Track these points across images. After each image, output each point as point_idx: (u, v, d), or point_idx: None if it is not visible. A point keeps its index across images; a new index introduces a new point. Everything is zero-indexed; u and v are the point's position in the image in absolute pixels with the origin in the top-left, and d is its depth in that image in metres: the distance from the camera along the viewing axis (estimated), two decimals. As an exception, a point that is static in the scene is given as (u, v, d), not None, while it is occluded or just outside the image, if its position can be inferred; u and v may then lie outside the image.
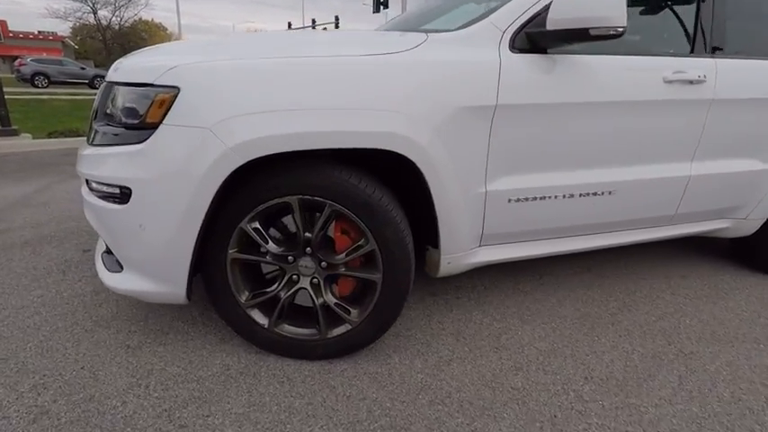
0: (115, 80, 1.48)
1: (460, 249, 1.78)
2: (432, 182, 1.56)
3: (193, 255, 1.46)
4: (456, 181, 1.62)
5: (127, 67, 1.47)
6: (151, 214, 1.40)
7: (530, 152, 1.74)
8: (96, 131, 1.52)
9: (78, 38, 46.49)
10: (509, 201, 1.78)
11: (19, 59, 21.15)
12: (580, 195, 1.90)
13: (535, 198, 1.82)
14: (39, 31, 43.05)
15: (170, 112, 1.35)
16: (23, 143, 6.07)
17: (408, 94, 1.47)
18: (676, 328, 2.04)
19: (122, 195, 1.43)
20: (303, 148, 1.38)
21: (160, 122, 1.36)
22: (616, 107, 1.81)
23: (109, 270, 1.60)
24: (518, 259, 1.97)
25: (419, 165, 1.51)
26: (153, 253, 1.45)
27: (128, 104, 1.43)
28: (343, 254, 1.57)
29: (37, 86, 19.48)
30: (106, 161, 1.45)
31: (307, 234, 1.55)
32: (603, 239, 2.11)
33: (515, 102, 1.62)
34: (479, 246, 1.88)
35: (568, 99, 1.71)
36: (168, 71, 1.36)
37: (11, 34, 37.19)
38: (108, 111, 1.50)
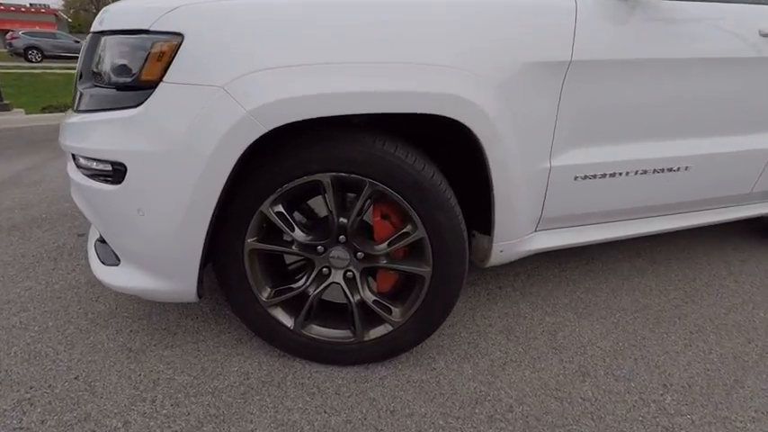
0: (102, 29, 1.19)
1: (515, 235, 1.52)
2: (492, 155, 1.28)
3: (204, 245, 1.19)
4: (519, 155, 1.34)
5: (116, 12, 1.17)
6: (151, 196, 1.13)
7: (602, 120, 1.46)
8: (82, 95, 1.24)
9: (71, 10, 45.24)
10: (575, 178, 1.51)
11: (10, 33, 20.46)
12: (654, 172, 1.62)
13: (604, 175, 1.54)
14: (30, 4, 41.85)
15: (171, 67, 1.06)
16: (16, 118, 5.76)
17: (474, 46, 1.17)
18: (751, 323, 1.79)
19: (115, 173, 1.16)
20: (342, 113, 1.09)
21: (159, 80, 1.07)
22: (702, 66, 1.52)
23: (104, 263, 1.34)
24: (577, 245, 1.71)
25: (479, 134, 1.23)
26: (155, 243, 1.19)
27: (118, 59, 1.14)
28: (385, 243, 1.30)
29: (30, 61, 18.87)
30: (95, 131, 1.17)
31: (341, 219, 1.28)
32: (671, 222, 1.84)
33: (592, 57, 1.33)
34: (535, 231, 1.61)
35: (651, 54, 1.41)
36: (168, 13, 1.06)
37: (1, 7, 36.09)
38: (95, 69, 1.21)
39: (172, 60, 1.06)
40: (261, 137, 1.09)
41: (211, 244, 1.27)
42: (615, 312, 1.82)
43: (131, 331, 1.57)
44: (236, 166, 1.11)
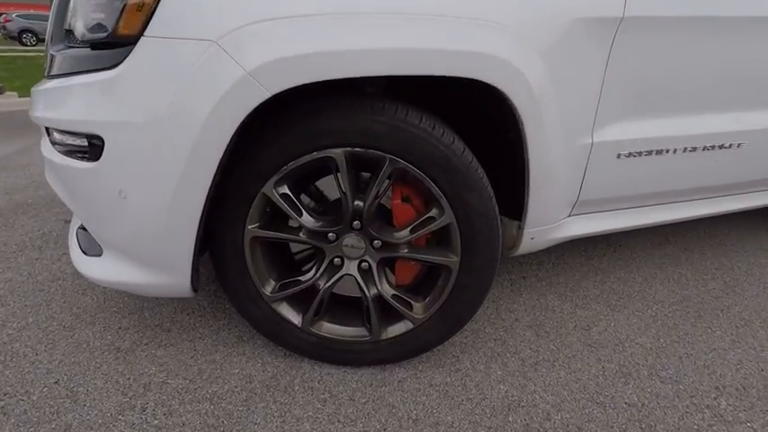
0: (73, -22, 1.01)
1: (549, 221, 1.35)
2: (530, 129, 1.10)
3: (198, 232, 1.03)
4: (560, 128, 1.16)
5: (88, -44, 0.99)
6: (133, 175, 0.96)
7: (651, 88, 1.27)
8: (53, 58, 1.06)
9: (66, -6, 44.29)
10: (617, 156, 1.33)
11: (4, 15, 20.02)
12: (704, 149, 1.44)
13: (650, 152, 1.37)
14: (24, -13, 40.96)
15: (154, 18, 0.88)
16: (9, 102, 5.58)
17: (515, -4, 0.99)
18: (801, 316, 1.63)
19: (92, 148, 0.98)
20: (357, 75, 0.92)
21: (139, 35, 0.89)
22: (762, 25, 1.33)
23: (86, 253, 1.18)
24: (613, 232, 1.55)
25: (517, 103, 1.05)
26: (140, 231, 1.02)
27: (92, 12, 0.96)
28: (406, 230, 1.13)
29: (25, 44, 18.51)
30: (67, 98, 1.00)
31: (356, 203, 1.11)
32: (717, 205, 1.67)
33: (647, 12, 1.14)
34: (569, 216, 1.44)
35: (711, 11, 1.23)
36: (148, -48, 0.88)
37: (-5, -11, 35.40)
38: (67, 26, 1.03)
39: (154, 10, 0.88)
40: (262, 103, 0.91)
41: (207, 231, 1.11)
42: (651, 305, 1.66)
43: (120, 328, 1.41)
44: (232, 139, 0.94)
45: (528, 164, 1.16)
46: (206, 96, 0.88)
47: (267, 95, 0.89)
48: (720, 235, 2.27)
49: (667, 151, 1.39)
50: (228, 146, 0.94)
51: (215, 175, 0.97)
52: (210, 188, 0.98)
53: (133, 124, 0.92)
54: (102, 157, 0.96)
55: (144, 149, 0.93)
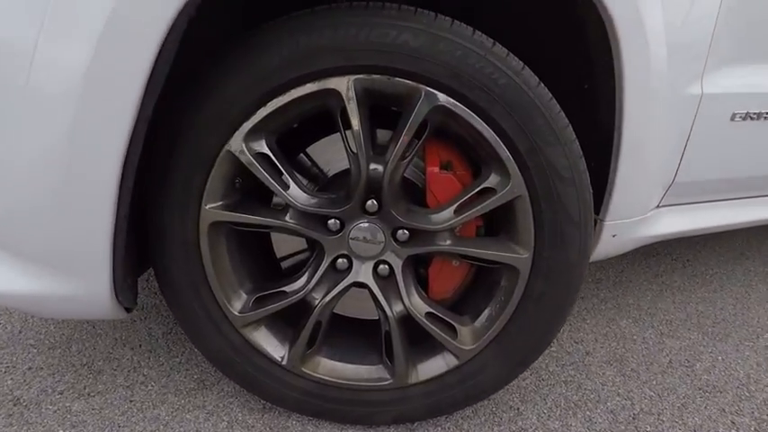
0: None
1: (636, 209, 0.96)
2: (630, 65, 0.73)
3: (119, 207, 0.63)
4: (666, 69, 0.79)
5: None
6: (3, 108, 0.58)
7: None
8: None
9: None
10: (732, 116, 0.96)
11: None
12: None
13: (774, 114, 1.00)
14: None
15: None
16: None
17: None
18: None
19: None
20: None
21: None
22: None
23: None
24: (709, 231, 1.16)
25: (618, 25, 0.69)
26: (21, 200, 0.63)
27: None
28: (450, 209, 0.74)
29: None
30: None
31: (372, 168, 0.72)
32: None
33: None
34: (658, 206, 1.05)
35: None
36: None
37: None
38: None
39: None
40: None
41: (139, 213, 0.71)
42: (761, 332, 1.25)
43: (30, 368, 0.98)
44: (165, 48, 0.56)
45: (621, 115, 0.78)
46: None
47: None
48: (804, 248, 1.87)
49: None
50: (159, 63, 0.57)
51: (139, 111, 0.58)
52: (134, 132, 0.59)
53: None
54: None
55: (17, 63, 0.55)
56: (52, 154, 0.59)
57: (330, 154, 0.83)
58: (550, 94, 0.69)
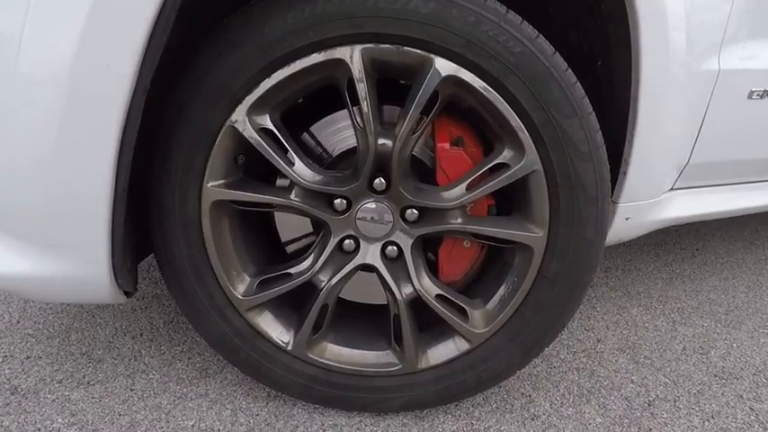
0: None
1: (651, 191, 0.93)
2: (648, 33, 0.70)
3: (116, 184, 0.60)
4: (684, 41, 0.76)
5: None
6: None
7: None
8: None
9: None
10: (750, 94, 0.93)
11: None
12: None
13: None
14: None
15: None
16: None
17: None
18: None
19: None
20: None
21: None
22: None
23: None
24: (728, 215, 1.13)
25: None
26: (15, 176, 0.60)
27: None
28: (461, 185, 0.71)
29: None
30: None
31: (382, 142, 0.69)
32: None
33: None
34: (672, 188, 1.03)
35: None
36: None
37: None
38: None
39: None
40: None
41: (138, 189, 0.69)
42: (776, 319, 1.22)
43: (28, 357, 0.96)
44: (161, 18, 0.54)
45: (637, 92, 0.75)
46: None
47: None
48: (814, 237, 1.84)
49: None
50: (156, 30, 0.54)
51: (136, 82, 0.55)
52: (131, 104, 0.57)
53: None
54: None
55: (8, 24, 0.53)
56: (47, 128, 0.56)
57: (335, 132, 0.81)
58: (566, 64, 0.66)
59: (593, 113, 0.68)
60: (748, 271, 1.52)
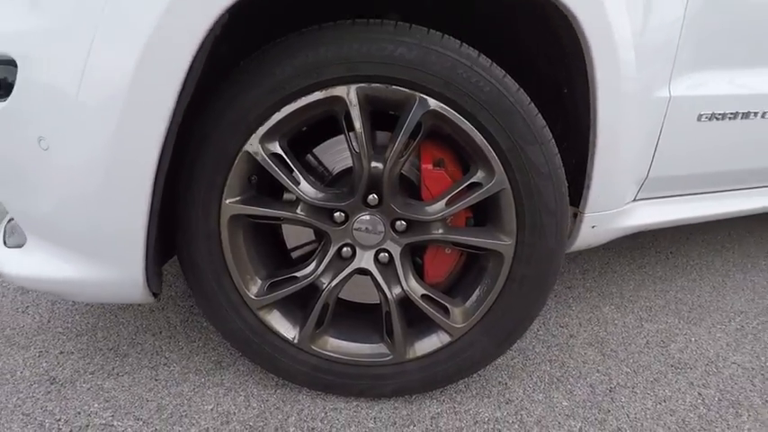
0: None
1: (613, 202, 1.05)
2: (602, 68, 0.83)
3: (152, 200, 0.73)
4: (636, 72, 0.89)
5: None
6: (57, 115, 0.67)
7: (748, 24, 1.02)
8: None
9: None
10: (698, 117, 1.06)
11: None
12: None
13: (735, 115, 1.09)
14: None
15: None
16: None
17: None
18: None
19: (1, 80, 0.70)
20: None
21: None
22: None
23: (5, 243, 0.87)
24: (683, 222, 1.25)
25: (588, 33, 0.78)
26: (69, 196, 0.72)
27: None
28: (442, 201, 0.83)
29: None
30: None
31: (373, 165, 0.81)
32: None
33: None
34: (634, 199, 1.15)
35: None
36: None
37: None
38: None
39: None
40: (235, 11, 0.64)
41: (168, 206, 0.81)
42: (733, 316, 1.34)
43: (62, 353, 1.08)
44: (195, 65, 0.66)
45: (596, 116, 0.88)
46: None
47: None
48: (782, 240, 1.97)
49: (756, 115, 1.11)
50: (189, 76, 0.66)
51: (171, 118, 0.68)
52: (167, 136, 0.69)
53: (55, 37, 0.64)
54: (13, 93, 0.68)
55: (68, 77, 0.65)
56: (100, 150, 0.68)
57: (335, 153, 0.93)
58: (529, 99, 0.79)
59: (553, 140, 0.81)
60: (716, 272, 1.64)
